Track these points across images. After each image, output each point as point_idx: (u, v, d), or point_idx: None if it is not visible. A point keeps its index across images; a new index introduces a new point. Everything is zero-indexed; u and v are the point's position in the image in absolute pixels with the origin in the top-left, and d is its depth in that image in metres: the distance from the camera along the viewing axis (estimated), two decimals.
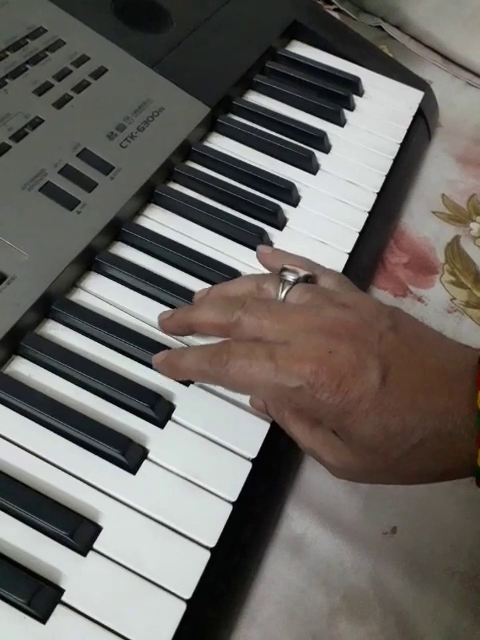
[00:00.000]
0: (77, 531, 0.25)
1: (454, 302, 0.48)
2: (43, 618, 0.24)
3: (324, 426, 0.28)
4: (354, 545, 0.33)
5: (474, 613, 0.32)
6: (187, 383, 0.31)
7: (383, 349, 0.25)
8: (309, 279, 0.30)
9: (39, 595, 0.24)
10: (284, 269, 0.30)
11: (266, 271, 0.33)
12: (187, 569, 0.26)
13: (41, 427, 0.28)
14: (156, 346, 0.32)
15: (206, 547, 0.27)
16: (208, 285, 0.35)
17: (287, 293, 0.29)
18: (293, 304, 0.29)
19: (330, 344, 0.25)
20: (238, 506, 0.28)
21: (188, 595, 0.25)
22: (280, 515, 0.33)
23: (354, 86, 0.51)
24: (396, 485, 0.30)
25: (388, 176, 0.46)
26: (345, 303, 0.28)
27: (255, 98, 0.48)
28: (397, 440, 0.25)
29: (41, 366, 0.30)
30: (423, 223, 0.52)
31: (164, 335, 0.33)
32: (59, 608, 0.24)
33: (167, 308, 0.34)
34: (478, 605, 0.33)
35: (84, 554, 0.26)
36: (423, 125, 0.55)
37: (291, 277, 0.29)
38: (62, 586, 0.25)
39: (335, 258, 0.39)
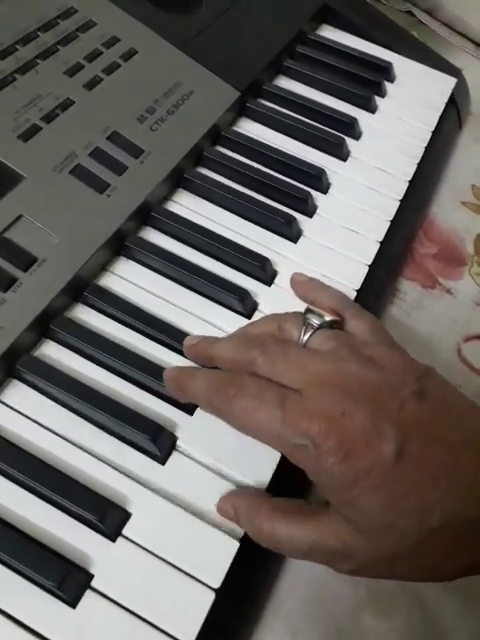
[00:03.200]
0: (107, 516, 0.25)
1: None
2: (73, 603, 0.24)
3: (329, 506, 0.24)
4: None
5: None
6: None
7: (403, 418, 0.23)
8: (335, 325, 0.28)
9: (69, 579, 0.24)
10: (309, 311, 0.28)
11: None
12: (216, 558, 0.26)
13: (71, 411, 0.28)
14: (183, 334, 0.31)
15: (235, 537, 0.26)
16: (236, 272, 0.35)
17: (309, 337, 0.27)
18: (313, 351, 0.26)
19: (344, 405, 0.23)
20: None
21: (217, 584, 0.25)
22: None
23: (386, 72, 0.50)
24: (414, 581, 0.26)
25: (419, 164, 0.45)
26: (371, 357, 0.25)
27: (285, 83, 0.47)
28: (414, 521, 0.22)
29: (71, 350, 0.30)
30: (453, 213, 0.51)
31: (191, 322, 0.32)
32: (88, 593, 0.24)
33: (195, 294, 0.33)
34: None
35: (113, 540, 0.25)
36: (454, 113, 0.54)
37: (316, 321, 0.27)
38: (91, 571, 0.25)
39: (366, 247, 0.39)
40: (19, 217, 0.31)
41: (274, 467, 0.29)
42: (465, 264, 0.48)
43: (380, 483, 0.22)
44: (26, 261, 0.30)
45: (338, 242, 0.38)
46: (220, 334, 0.32)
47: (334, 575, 0.31)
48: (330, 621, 0.30)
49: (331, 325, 0.27)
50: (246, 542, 0.26)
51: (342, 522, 0.23)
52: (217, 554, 0.26)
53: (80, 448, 0.27)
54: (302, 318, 0.27)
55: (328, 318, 0.27)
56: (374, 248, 0.39)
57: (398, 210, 0.42)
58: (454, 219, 0.51)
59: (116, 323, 0.32)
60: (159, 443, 0.27)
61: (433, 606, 0.32)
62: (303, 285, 0.31)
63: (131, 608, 0.24)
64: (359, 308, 0.29)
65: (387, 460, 0.22)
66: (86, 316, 0.32)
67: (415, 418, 0.23)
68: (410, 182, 0.44)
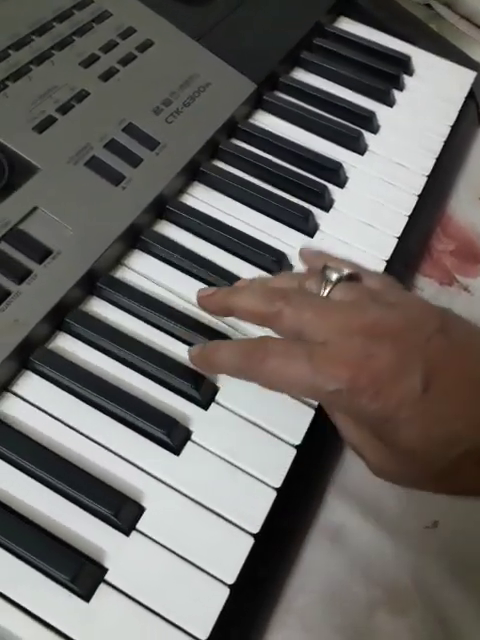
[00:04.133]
0: (121, 511, 0.25)
1: None
2: (86, 596, 0.24)
3: (368, 432, 0.26)
4: (395, 538, 0.33)
5: None
6: None
7: (429, 353, 0.24)
8: (353, 278, 0.28)
9: (83, 573, 0.23)
10: (326, 267, 0.28)
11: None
12: (231, 554, 0.26)
13: (85, 405, 0.28)
14: (200, 327, 0.31)
15: (250, 533, 0.26)
16: (252, 266, 0.35)
17: (330, 291, 0.27)
18: (336, 302, 0.27)
19: (370, 347, 0.24)
20: (281, 492, 0.28)
21: (232, 580, 0.25)
22: (320, 504, 0.33)
23: (404, 65, 0.49)
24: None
25: (437, 159, 0.45)
26: (392, 303, 0.26)
27: (302, 76, 0.47)
28: (441, 450, 0.23)
29: (85, 343, 0.30)
30: (471, 210, 0.50)
31: (208, 317, 0.32)
32: (102, 587, 0.24)
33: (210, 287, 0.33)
34: None
35: (128, 534, 0.25)
36: (473, 108, 0.53)
37: (334, 275, 0.28)
38: (105, 565, 0.25)
39: (383, 242, 0.38)
40: (34, 209, 0.31)
41: (289, 463, 0.28)
42: None
43: (411, 416, 0.23)
44: (41, 253, 0.30)
45: (355, 237, 0.38)
46: (236, 335, 0.32)
47: (349, 574, 0.31)
48: (344, 618, 0.30)
49: (349, 278, 0.28)
50: (260, 538, 0.26)
51: (381, 444, 0.25)
52: (232, 549, 0.26)
53: (94, 442, 0.27)
54: (321, 274, 0.28)
55: (346, 271, 0.28)
56: (392, 243, 0.38)
57: (416, 205, 0.41)
58: (472, 215, 0.50)
59: (131, 316, 0.31)
60: (174, 437, 0.27)
61: (448, 606, 0.31)
62: (312, 256, 0.31)
63: (145, 602, 0.24)
64: (371, 270, 0.30)
65: (415, 393, 0.23)
66: (101, 309, 0.31)
67: (441, 353, 0.24)
68: (428, 177, 0.43)
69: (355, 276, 0.29)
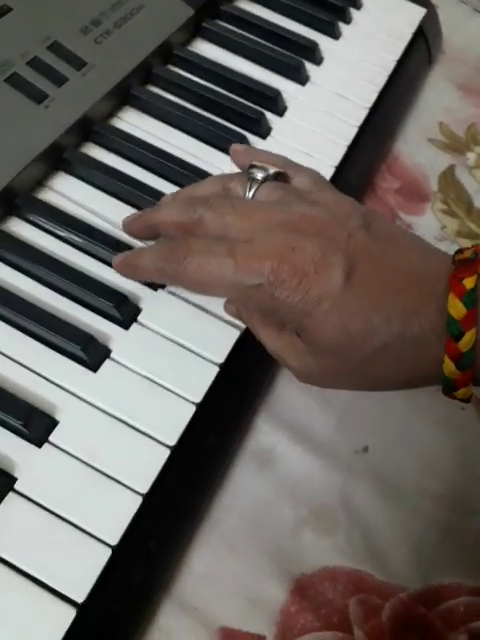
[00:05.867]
0: (31, 421, 0.25)
1: (444, 231, 0.46)
2: None
3: (289, 330, 0.27)
4: (324, 461, 0.33)
5: (442, 529, 0.32)
6: (155, 287, 0.30)
7: (351, 248, 0.24)
8: (279, 177, 0.28)
9: None
10: (252, 166, 0.28)
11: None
12: (145, 465, 0.25)
13: (1, 322, 0.27)
14: (124, 247, 0.30)
15: (166, 445, 0.26)
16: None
17: (255, 191, 0.27)
18: (260, 202, 0.27)
19: (293, 240, 0.24)
20: (203, 409, 0.28)
21: (144, 490, 0.25)
22: (250, 428, 0.32)
23: None
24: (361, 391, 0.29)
25: (382, 94, 0.44)
26: (317, 200, 0.26)
27: (245, 5, 0.45)
28: (359, 342, 0.24)
29: (3, 263, 0.29)
30: (418, 150, 0.50)
31: (131, 239, 0.31)
32: (11, 496, 0.24)
33: (137, 211, 0.32)
34: (447, 522, 0.32)
35: (39, 445, 0.25)
36: (424, 47, 0.52)
37: (260, 175, 0.27)
38: (15, 475, 0.24)
39: (321, 171, 0.37)
40: None
41: (210, 381, 0.28)
42: (428, 200, 0.47)
43: (330, 308, 0.23)
44: None
45: None
46: None
47: (274, 495, 0.31)
48: (269, 537, 0.30)
49: (276, 177, 0.28)
50: (177, 451, 0.26)
51: (302, 343, 0.25)
52: (147, 461, 0.25)
53: (7, 357, 0.27)
54: (246, 175, 0.28)
55: (272, 171, 0.27)
56: (329, 172, 0.38)
57: (358, 139, 0.41)
58: (419, 156, 0.49)
59: (52, 237, 0.30)
60: (89, 353, 0.27)
61: (375, 524, 0.32)
62: (242, 153, 0.30)
63: (55, 511, 0.24)
64: (300, 165, 0.29)
65: (336, 286, 0.23)
66: (21, 229, 0.30)
67: (362, 247, 0.24)
68: (371, 110, 0.42)
69: (282, 175, 0.28)
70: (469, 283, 0.23)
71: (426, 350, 0.23)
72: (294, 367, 0.27)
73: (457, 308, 0.22)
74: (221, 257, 0.24)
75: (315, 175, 0.29)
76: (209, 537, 0.29)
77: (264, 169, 0.27)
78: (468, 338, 0.22)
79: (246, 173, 0.28)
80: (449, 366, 0.23)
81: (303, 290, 0.23)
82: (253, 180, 0.27)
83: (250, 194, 0.27)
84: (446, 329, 0.23)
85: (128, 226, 0.30)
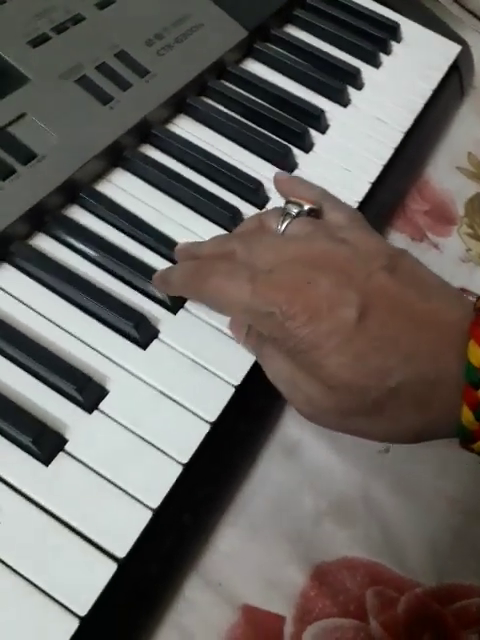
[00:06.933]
0: (85, 389, 0.26)
1: (469, 253, 0.48)
2: (46, 461, 0.25)
3: (299, 363, 0.25)
4: (346, 457, 0.34)
5: (456, 532, 0.33)
6: None
7: (369, 287, 0.24)
8: (313, 213, 0.29)
9: (43, 437, 0.25)
10: (288, 201, 0.29)
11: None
12: (187, 437, 0.27)
13: (60, 298, 0.29)
14: (171, 242, 0.32)
15: (206, 421, 0.28)
16: (231, 194, 0.36)
17: (287, 226, 0.28)
18: (288, 236, 0.27)
19: (310, 275, 0.24)
20: (239, 394, 0.29)
21: (185, 459, 0.26)
22: (278, 421, 0.34)
23: (392, 31, 0.51)
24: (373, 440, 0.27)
25: (417, 121, 0.46)
26: (345, 238, 0.26)
27: (293, 31, 0.48)
28: (374, 380, 0.23)
29: (63, 245, 0.31)
30: (447, 176, 0.52)
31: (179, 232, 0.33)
32: (62, 455, 0.25)
33: (187, 208, 0.35)
34: (461, 525, 0.34)
35: (90, 412, 0.27)
36: (457, 81, 0.55)
37: (294, 210, 0.28)
38: (66, 437, 0.26)
39: (357, 186, 0.40)
40: (22, 115, 0.32)
41: (250, 365, 0.30)
42: (454, 223, 0.49)
43: (342, 344, 0.23)
44: (26, 155, 0.31)
45: (331, 177, 0.39)
46: None
47: (298, 485, 0.33)
48: (291, 524, 0.31)
49: (309, 213, 0.28)
50: (216, 427, 0.28)
51: (309, 377, 0.25)
52: (188, 434, 0.27)
53: (66, 331, 0.29)
54: (281, 209, 0.29)
55: (306, 207, 0.28)
56: (365, 187, 0.40)
57: (392, 160, 0.43)
58: (448, 182, 0.52)
59: (108, 225, 0.33)
60: (141, 331, 0.29)
61: (392, 519, 0.33)
62: (284, 182, 0.31)
63: (101, 472, 0.25)
64: (339, 200, 0.30)
65: (348, 322, 0.23)
66: (81, 216, 0.33)
67: (382, 287, 0.24)
68: (406, 135, 0.45)
69: (316, 211, 0.29)
70: None
71: (443, 395, 0.23)
72: (300, 401, 0.26)
73: (477, 355, 0.22)
74: (241, 281, 0.25)
75: (351, 212, 0.29)
76: (236, 519, 0.31)
77: (298, 205, 0.28)
78: None
79: (281, 208, 0.29)
80: (467, 415, 0.22)
81: (313, 324, 0.23)
82: (287, 215, 0.28)
83: (282, 227, 0.28)
84: (465, 376, 0.22)
85: (178, 253, 0.31)
